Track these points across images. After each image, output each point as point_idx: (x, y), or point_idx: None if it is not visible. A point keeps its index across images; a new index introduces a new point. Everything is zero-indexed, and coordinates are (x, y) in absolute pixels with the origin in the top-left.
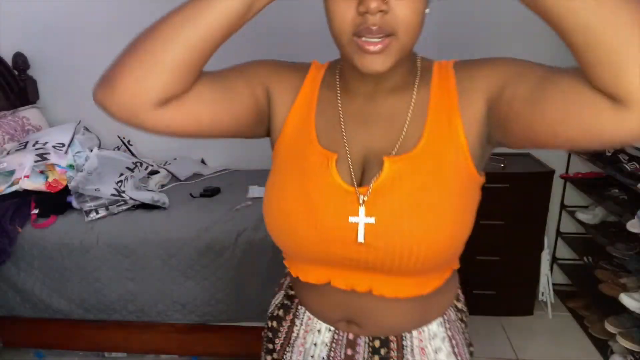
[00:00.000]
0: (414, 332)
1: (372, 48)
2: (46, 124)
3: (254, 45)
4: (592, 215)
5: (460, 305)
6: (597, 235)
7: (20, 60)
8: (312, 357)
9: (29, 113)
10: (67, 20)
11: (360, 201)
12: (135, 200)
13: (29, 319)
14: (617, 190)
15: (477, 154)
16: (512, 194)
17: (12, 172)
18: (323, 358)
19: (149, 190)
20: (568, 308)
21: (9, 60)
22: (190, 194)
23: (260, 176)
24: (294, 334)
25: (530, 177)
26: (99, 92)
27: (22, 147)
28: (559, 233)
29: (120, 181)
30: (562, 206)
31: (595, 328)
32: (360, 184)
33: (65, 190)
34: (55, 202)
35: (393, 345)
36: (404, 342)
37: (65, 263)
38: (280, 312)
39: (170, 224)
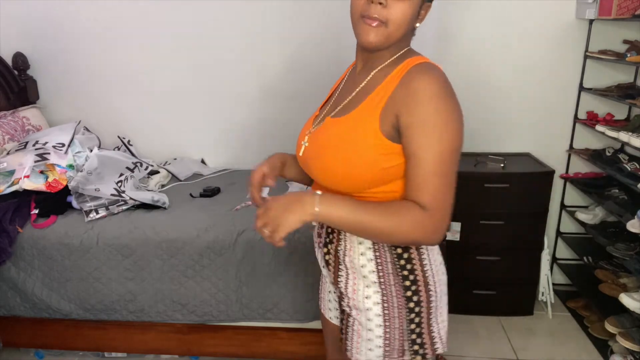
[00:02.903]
0: None
1: (370, 22)
2: (46, 124)
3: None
4: (592, 215)
5: None
6: (597, 235)
7: (20, 60)
8: (317, 236)
9: (29, 113)
10: (67, 20)
11: (307, 132)
12: (135, 200)
13: (29, 319)
14: (617, 190)
15: (389, 131)
16: (512, 194)
17: (12, 172)
18: (315, 234)
19: (149, 190)
20: (568, 308)
21: (9, 60)
22: (190, 194)
23: None
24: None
25: (530, 177)
26: None
27: (22, 147)
28: (559, 233)
29: (120, 181)
30: (562, 206)
31: (595, 328)
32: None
33: (65, 190)
34: (55, 202)
35: (337, 231)
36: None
37: (65, 263)
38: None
39: (170, 224)
